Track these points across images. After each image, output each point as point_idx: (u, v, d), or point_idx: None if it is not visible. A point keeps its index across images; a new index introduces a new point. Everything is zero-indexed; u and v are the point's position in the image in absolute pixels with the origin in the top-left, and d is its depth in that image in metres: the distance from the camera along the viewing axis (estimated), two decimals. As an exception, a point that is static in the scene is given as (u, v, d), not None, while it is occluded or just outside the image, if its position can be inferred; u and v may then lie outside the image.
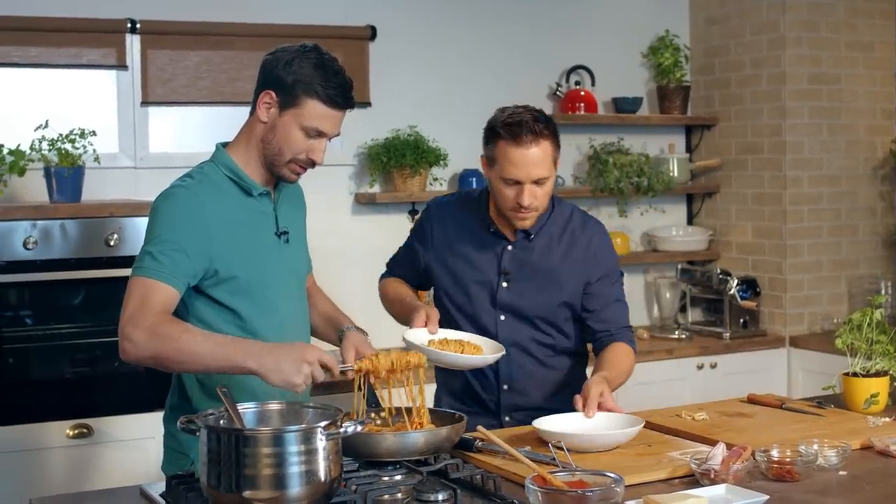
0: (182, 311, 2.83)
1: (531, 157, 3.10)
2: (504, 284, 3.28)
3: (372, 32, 5.17)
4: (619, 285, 3.37)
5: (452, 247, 3.34)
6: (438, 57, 5.36)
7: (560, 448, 2.65)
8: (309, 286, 3.19)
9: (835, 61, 5.64)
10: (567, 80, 5.69)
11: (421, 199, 5.20)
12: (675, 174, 5.78)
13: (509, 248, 3.29)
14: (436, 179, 5.31)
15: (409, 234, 3.53)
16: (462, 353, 3.01)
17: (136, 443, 4.23)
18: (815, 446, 2.70)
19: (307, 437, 2.26)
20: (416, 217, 3.45)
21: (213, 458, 2.27)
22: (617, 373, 3.18)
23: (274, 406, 2.52)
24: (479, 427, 2.80)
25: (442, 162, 5.22)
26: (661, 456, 2.75)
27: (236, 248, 2.82)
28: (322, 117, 2.81)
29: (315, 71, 2.79)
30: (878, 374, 3.26)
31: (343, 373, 2.76)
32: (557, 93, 5.64)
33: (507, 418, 3.32)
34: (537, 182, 3.13)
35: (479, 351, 3.06)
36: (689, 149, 6.04)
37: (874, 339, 3.31)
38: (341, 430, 2.30)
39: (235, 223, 2.84)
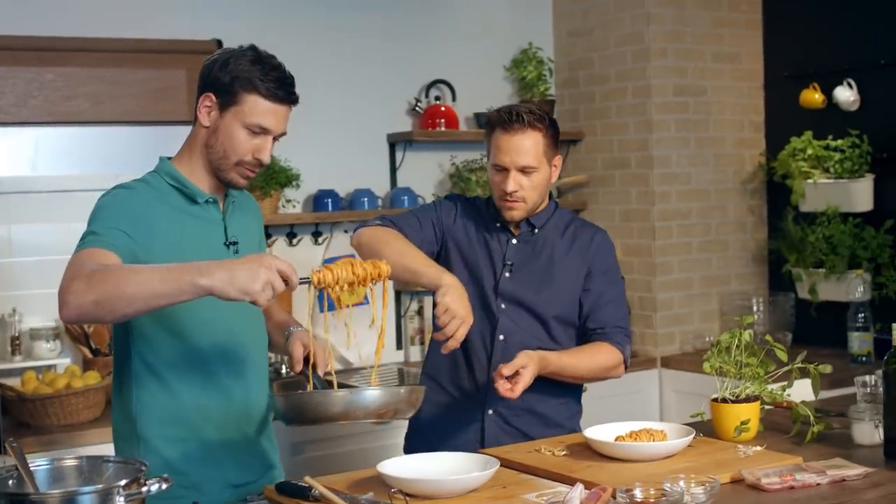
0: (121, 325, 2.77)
1: (518, 144, 3.18)
2: (506, 275, 3.30)
3: (218, 46, 4.86)
4: (618, 286, 3.41)
5: (459, 241, 3.35)
6: (290, 72, 5.04)
7: (400, 495, 2.39)
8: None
9: (701, 73, 5.52)
10: (426, 96, 5.47)
11: (273, 221, 4.93)
12: (542, 191, 5.59)
13: (513, 241, 3.33)
14: (289, 201, 5.04)
15: (418, 210, 3.48)
16: None
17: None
18: (682, 483, 2.49)
19: (104, 499, 1.98)
20: (441, 202, 3.47)
21: (-8, 526, 1.98)
22: (572, 361, 3.22)
23: (70, 462, 2.23)
24: (306, 477, 2.54)
25: (294, 183, 4.96)
26: (514, 499, 2.52)
27: (180, 256, 2.62)
28: (264, 112, 2.75)
29: (252, 66, 2.75)
30: (748, 400, 3.07)
31: (303, 282, 2.52)
32: (416, 108, 5.42)
33: (490, 412, 3.28)
34: (524, 171, 3.19)
35: None
36: (555, 165, 5.85)
37: (743, 362, 3.12)
38: (143, 489, 2.03)
39: (180, 230, 2.75)
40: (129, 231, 2.65)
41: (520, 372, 3.01)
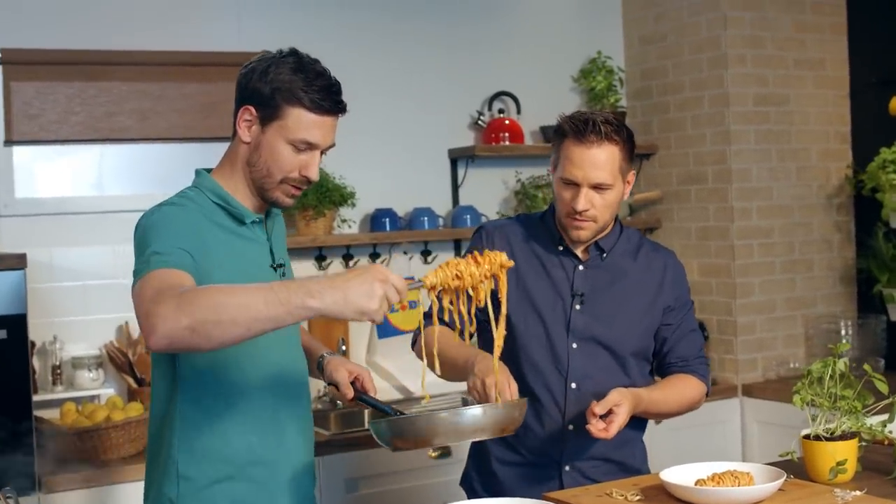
0: (166, 357, 2.55)
1: (592, 158, 2.88)
2: (577, 307, 3.00)
3: (269, 59, 4.64)
4: (692, 311, 3.18)
5: (518, 268, 3.01)
6: (344, 84, 4.76)
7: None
8: None
9: (782, 80, 5.20)
10: (490, 108, 5.23)
11: (327, 243, 4.68)
12: (613, 209, 5.30)
13: (581, 267, 3.03)
14: (344, 221, 4.79)
15: None
16: None
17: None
18: (774, 537, 2.18)
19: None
20: (470, 244, 3.15)
21: None
22: (662, 396, 3.00)
23: None
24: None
25: (350, 202, 4.70)
26: (581, 555, 2.22)
27: (233, 280, 2.36)
28: (309, 126, 2.53)
29: (294, 75, 2.53)
30: (844, 437, 2.74)
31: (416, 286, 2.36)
32: (479, 122, 5.17)
33: (567, 468, 3.00)
34: (597, 188, 2.90)
35: None
36: (626, 180, 5.56)
37: (838, 395, 2.79)
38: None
39: (230, 251, 2.54)
40: (191, 251, 2.41)
41: (613, 410, 2.76)
